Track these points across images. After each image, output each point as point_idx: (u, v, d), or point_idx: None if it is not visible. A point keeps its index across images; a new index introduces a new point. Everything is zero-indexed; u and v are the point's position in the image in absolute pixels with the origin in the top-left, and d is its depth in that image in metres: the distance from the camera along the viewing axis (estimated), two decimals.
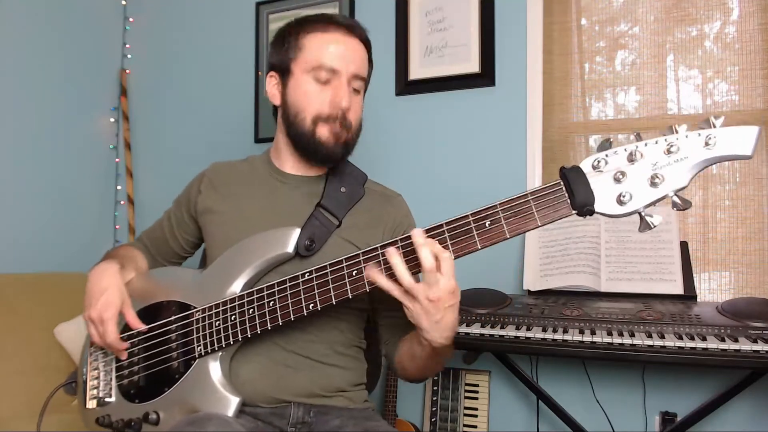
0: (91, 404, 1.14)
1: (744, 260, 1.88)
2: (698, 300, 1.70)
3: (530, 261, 1.88)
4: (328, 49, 1.12)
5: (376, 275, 0.91)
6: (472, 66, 2.11)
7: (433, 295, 0.87)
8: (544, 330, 1.53)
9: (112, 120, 2.65)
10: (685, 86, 2.00)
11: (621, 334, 1.46)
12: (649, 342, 1.41)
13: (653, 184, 0.82)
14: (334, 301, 0.96)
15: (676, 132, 0.82)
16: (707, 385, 1.79)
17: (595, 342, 1.46)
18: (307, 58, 1.13)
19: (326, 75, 1.12)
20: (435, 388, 2.06)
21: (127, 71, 2.70)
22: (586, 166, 0.85)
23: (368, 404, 1.20)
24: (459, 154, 2.15)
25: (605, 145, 0.85)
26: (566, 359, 1.92)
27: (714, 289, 1.90)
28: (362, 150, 2.26)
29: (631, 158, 0.83)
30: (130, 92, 2.70)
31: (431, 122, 2.20)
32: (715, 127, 0.80)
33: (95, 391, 1.14)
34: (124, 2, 2.71)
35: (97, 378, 1.15)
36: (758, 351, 1.33)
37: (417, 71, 2.20)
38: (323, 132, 1.13)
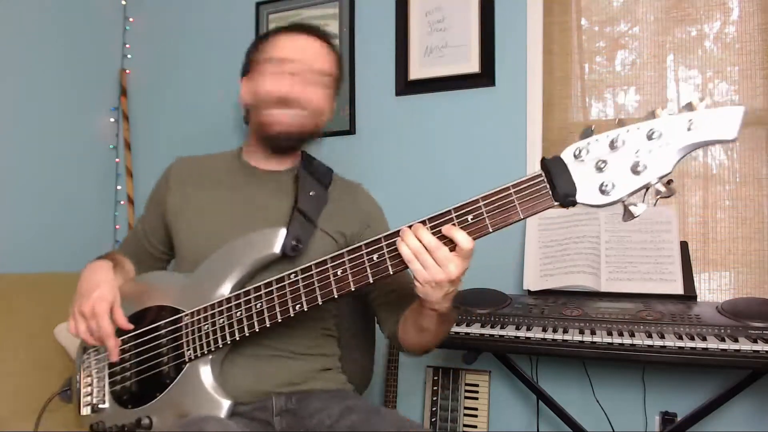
0: (86, 411, 1.13)
1: (744, 260, 1.87)
2: (698, 300, 1.70)
3: (530, 261, 1.88)
4: (277, 43, 1.19)
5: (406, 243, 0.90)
6: (472, 66, 2.11)
7: (455, 274, 0.89)
8: (544, 330, 1.53)
9: (112, 120, 2.65)
10: (685, 86, 2.00)
11: (621, 334, 1.46)
12: (649, 342, 1.41)
13: (635, 172, 0.79)
14: (320, 301, 0.96)
15: (658, 116, 0.79)
16: (707, 385, 1.79)
17: (595, 342, 1.46)
18: (263, 53, 1.20)
19: (277, 65, 1.17)
20: (435, 388, 2.06)
21: (127, 71, 2.70)
22: (567, 155, 0.83)
23: (346, 386, 1.22)
24: (459, 154, 2.15)
25: (587, 132, 0.83)
26: (566, 359, 1.91)
27: (714, 289, 1.89)
28: (362, 150, 2.27)
29: (613, 145, 0.80)
30: (130, 92, 2.70)
31: (431, 122, 2.19)
32: (697, 109, 0.77)
33: (89, 398, 1.14)
34: (124, 2, 2.70)
35: (91, 384, 1.14)
36: (758, 351, 1.34)
37: (417, 71, 2.20)
38: (273, 116, 1.16)
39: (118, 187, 2.66)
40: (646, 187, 0.80)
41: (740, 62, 1.91)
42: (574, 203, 0.83)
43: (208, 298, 1.06)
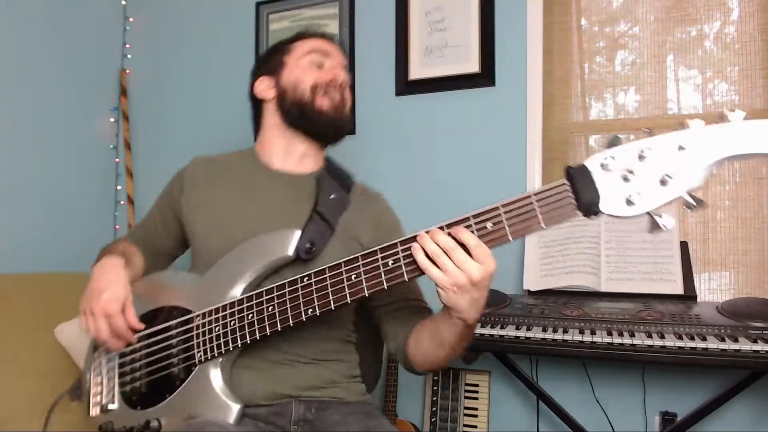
0: (95, 411, 1.12)
1: (744, 260, 1.87)
2: (698, 300, 1.70)
3: (530, 261, 1.88)
4: (308, 41, 1.26)
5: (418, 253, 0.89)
6: (472, 66, 2.11)
7: (477, 276, 0.86)
8: (544, 330, 1.53)
9: (112, 120, 2.65)
10: (685, 86, 2.00)
11: (621, 334, 1.46)
12: (649, 342, 1.41)
13: (664, 183, 0.78)
14: (332, 306, 0.95)
15: (689, 127, 0.78)
16: (707, 385, 1.79)
17: (595, 342, 1.46)
18: (299, 49, 1.25)
19: (320, 57, 1.23)
20: (435, 388, 2.06)
21: (127, 71, 2.70)
22: (593, 164, 0.82)
23: (365, 397, 1.20)
24: (459, 154, 2.15)
25: (614, 141, 0.82)
26: (566, 359, 1.91)
27: (714, 289, 1.89)
28: (362, 150, 2.27)
29: (641, 156, 0.79)
30: (130, 92, 2.70)
31: (431, 122, 2.19)
32: (731, 120, 0.76)
33: (98, 398, 1.13)
34: (124, 2, 2.70)
35: (100, 384, 1.13)
36: (758, 351, 1.34)
37: (417, 71, 2.20)
38: (323, 102, 1.20)
39: (118, 187, 2.66)
40: (675, 200, 0.79)
41: (740, 62, 1.91)
42: (598, 213, 0.82)
43: (220, 299, 1.04)
